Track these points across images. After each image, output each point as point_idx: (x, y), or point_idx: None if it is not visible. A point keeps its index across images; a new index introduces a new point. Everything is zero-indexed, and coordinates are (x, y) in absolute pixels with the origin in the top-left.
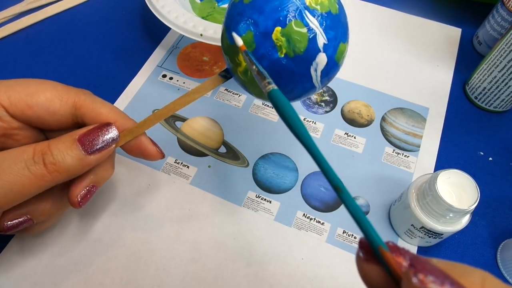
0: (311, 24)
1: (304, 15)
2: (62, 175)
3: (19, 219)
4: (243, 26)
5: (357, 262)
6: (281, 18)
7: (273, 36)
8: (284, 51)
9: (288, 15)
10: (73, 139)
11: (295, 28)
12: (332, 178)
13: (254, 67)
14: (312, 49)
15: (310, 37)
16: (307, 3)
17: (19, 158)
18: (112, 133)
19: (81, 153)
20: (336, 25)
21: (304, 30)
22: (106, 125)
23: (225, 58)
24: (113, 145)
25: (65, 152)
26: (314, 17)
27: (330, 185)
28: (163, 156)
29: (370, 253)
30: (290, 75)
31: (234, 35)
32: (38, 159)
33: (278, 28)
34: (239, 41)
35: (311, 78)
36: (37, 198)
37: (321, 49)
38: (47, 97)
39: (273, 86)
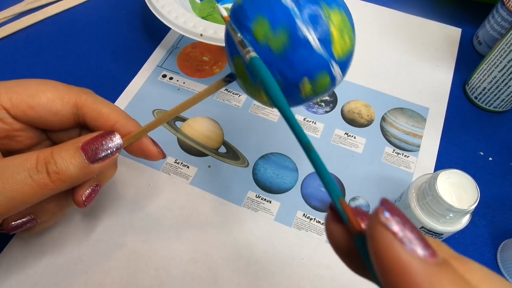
0: (334, 73)
1: (331, 67)
2: (65, 184)
3: (23, 219)
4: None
5: (325, 225)
6: (311, 73)
7: (300, 86)
8: (307, 94)
9: (318, 70)
10: (77, 147)
11: (322, 79)
12: (303, 138)
13: (238, 34)
14: (330, 89)
15: (331, 81)
16: (335, 55)
17: (22, 166)
18: (116, 142)
19: (84, 162)
20: (351, 59)
21: (328, 79)
22: (110, 133)
23: (243, 89)
24: (117, 154)
25: (69, 161)
26: (339, 66)
27: (300, 144)
28: (164, 156)
29: (337, 214)
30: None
31: (219, 6)
32: (41, 168)
33: (306, 80)
34: (223, 12)
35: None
36: None
37: (337, 85)
38: (48, 97)
39: (254, 54)
